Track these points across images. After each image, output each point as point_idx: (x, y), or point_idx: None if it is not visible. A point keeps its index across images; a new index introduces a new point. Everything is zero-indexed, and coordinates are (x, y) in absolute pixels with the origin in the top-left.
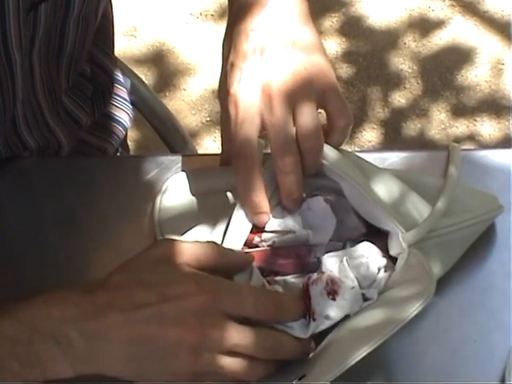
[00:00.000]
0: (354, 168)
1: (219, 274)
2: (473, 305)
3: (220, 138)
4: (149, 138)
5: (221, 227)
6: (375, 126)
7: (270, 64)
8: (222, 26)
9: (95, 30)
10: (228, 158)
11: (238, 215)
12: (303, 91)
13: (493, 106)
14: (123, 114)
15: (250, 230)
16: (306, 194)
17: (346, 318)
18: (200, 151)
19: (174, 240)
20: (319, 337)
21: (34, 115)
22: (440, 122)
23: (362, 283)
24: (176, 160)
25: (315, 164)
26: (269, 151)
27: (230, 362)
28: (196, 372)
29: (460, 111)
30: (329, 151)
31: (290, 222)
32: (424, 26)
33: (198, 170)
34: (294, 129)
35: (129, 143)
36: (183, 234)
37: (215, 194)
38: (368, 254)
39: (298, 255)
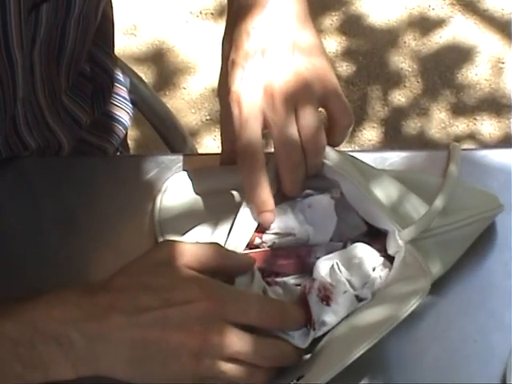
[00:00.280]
0: (354, 168)
1: (220, 276)
2: (473, 304)
3: (220, 137)
4: (149, 136)
5: (222, 227)
6: (375, 125)
7: (271, 65)
8: (222, 24)
9: (95, 30)
10: (228, 157)
11: (243, 216)
12: (305, 92)
13: (493, 104)
14: (123, 113)
15: (253, 232)
16: (306, 194)
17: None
18: (200, 150)
19: (175, 242)
20: (317, 337)
21: (33, 115)
22: (440, 121)
23: (355, 284)
24: (176, 159)
25: (317, 164)
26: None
27: (230, 368)
28: (196, 376)
29: (460, 110)
30: (329, 151)
31: (290, 223)
32: (424, 24)
33: (198, 169)
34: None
35: (129, 142)
36: (184, 234)
37: (215, 193)
38: (361, 254)
39: (299, 256)
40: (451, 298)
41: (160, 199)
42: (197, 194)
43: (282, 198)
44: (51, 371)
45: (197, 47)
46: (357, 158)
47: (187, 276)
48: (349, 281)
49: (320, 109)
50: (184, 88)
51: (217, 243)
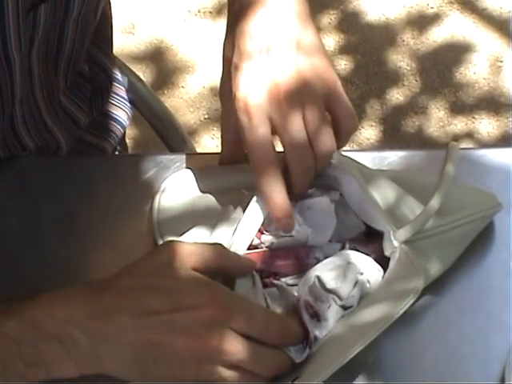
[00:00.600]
0: (355, 167)
1: (222, 277)
2: (471, 304)
3: (219, 136)
4: (147, 135)
5: (221, 228)
6: (374, 124)
7: (275, 64)
8: (220, 23)
9: (94, 29)
10: (228, 158)
11: (247, 218)
12: (310, 94)
13: (491, 103)
14: (122, 112)
15: (255, 234)
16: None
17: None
18: (198, 149)
19: (179, 243)
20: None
21: (31, 115)
22: (438, 120)
23: (341, 293)
24: (175, 159)
25: (325, 165)
26: None
27: (231, 375)
28: (197, 380)
29: (459, 109)
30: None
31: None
32: (422, 23)
33: (197, 169)
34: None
35: (127, 141)
36: (182, 234)
37: (214, 194)
38: (347, 261)
39: (297, 256)
40: (450, 297)
41: (158, 199)
42: (195, 194)
43: None
44: (53, 369)
45: (195, 46)
46: (354, 160)
47: (196, 280)
48: (334, 291)
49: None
50: (182, 87)
51: (220, 244)
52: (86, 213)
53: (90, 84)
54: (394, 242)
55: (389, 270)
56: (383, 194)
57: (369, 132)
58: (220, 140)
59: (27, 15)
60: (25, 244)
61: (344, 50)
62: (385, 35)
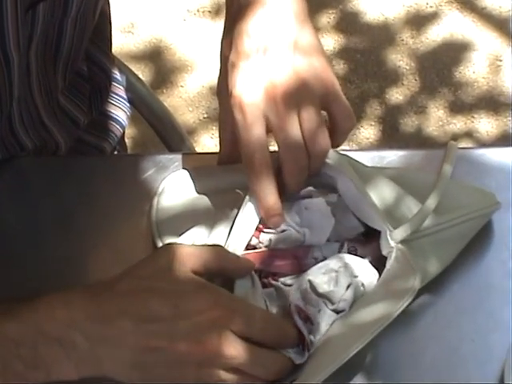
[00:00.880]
0: (350, 167)
1: (221, 278)
2: (471, 304)
3: (218, 136)
4: (146, 135)
5: (220, 228)
6: (373, 123)
7: (272, 64)
8: (219, 22)
9: (93, 29)
10: (226, 158)
11: (242, 218)
12: (307, 94)
13: (491, 102)
14: (121, 112)
15: (252, 233)
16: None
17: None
18: (197, 148)
19: (178, 245)
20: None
21: (29, 114)
22: (438, 119)
23: (333, 297)
24: (174, 159)
25: (320, 165)
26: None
27: (231, 378)
28: (197, 382)
29: (458, 108)
30: (330, 151)
31: (287, 220)
32: (422, 22)
33: (196, 169)
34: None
35: (126, 141)
36: (181, 235)
37: (213, 193)
38: (340, 265)
39: (295, 256)
40: (449, 297)
41: (157, 200)
42: (194, 194)
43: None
44: (53, 371)
45: (194, 45)
46: (352, 158)
47: (196, 283)
48: (325, 295)
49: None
50: (181, 86)
51: (219, 245)
52: (85, 213)
53: (89, 84)
54: (391, 242)
55: (385, 269)
56: (380, 192)
57: (368, 131)
58: (219, 139)
59: (26, 14)
60: (24, 244)
61: (343, 49)
62: (384, 34)
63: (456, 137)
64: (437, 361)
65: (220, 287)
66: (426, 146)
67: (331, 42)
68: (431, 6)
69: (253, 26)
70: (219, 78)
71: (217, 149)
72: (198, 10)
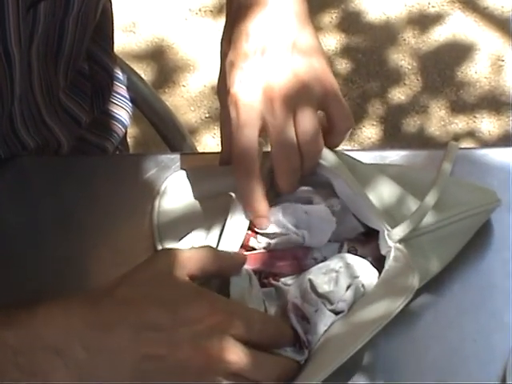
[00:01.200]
0: (346, 169)
1: (217, 278)
2: (473, 304)
3: (219, 135)
4: (148, 134)
5: (216, 230)
6: (375, 123)
7: (270, 65)
8: (221, 22)
9: (94, 28)
10: (228, 157)
11: (234, 218)
12: (304, 94)
13: (493, 102)
14: (123, 111)
15: (245, 234)
16: (300, 193)
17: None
18: (199, 148)
19: (175, 250)
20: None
21: (30, 113)
22: (440, 119)
23: (332, 298)
24: (175, 158)
25: (313, 166)
26: (268, 149)
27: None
28: None
29: (460, 108)
30: (325, 152)
31: (285, 224)
32: (424, 22)
33: (197, 169)
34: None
35: (128, 140)
36: (181, 238)
37: (214, 195)
38: (340, 266)
39: (295, 257)
40: (450, 297)
41: (158, 202)
42: (195, 196)
43: (276, 194)
44: (50, 379)
45: (196, 45)
46: (351, 156)
47: (195, 290)
48: (324, 295)
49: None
50: (183, 86)
51: (209, 246)
52: (86, 212)
53: (90, 82)
54: (389, 242)
55: (384, 269)
56: (378, 191)
57: (370, 131)
58: (220, 139)
59: (27, 12)
60: (25, 243)
61: (345, 49)
62: (386, 34)
63: (458, 137)
64: (438, 361)
65: (216, 293)
66: (427, 145)
67: (333, 41)
68: (433, 6)
69: (252, 27)
70: (219, 77)
71: (219, 148)
72: (199, 10)
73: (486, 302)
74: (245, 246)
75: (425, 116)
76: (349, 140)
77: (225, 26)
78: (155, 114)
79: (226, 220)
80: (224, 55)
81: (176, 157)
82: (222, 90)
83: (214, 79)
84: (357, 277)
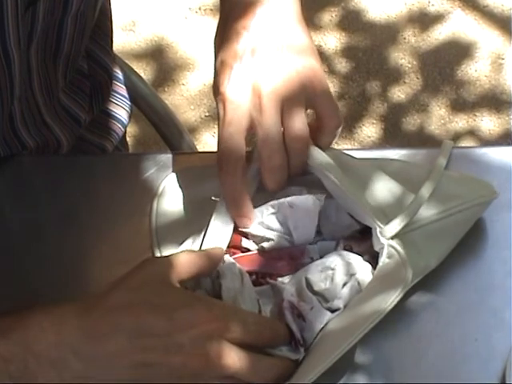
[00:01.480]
0: (337, 167)
1: (208, 280)
2: (473, 303)
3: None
4: (148, 133)
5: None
6: (375, 122)
7: (260, 65)
8: None
9: (93, 26)
10: None
11: (218, 218)
12: (293, 93)
13: (493, 101)
14: (122, 111)
15: (230, 234)
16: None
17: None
18: (199, 146)
19: (159, 259)
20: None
21: (30, 112)
22: (440, 117)
23: (328, 296)
24: (175, 158)
25: (300, 165)
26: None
27: None
28: None
29: (460, 106)
30: (313, 150)
31: (269, 225)
32: (424, 20)
33: (195, 169)
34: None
35: (127, 139)
36: (179, 240)
37: (212, 195)
38: (336, 263)
39: (292, 257)
40: (451, 296)
41: (156, 204)
42: (193, 197)
43: (264, 193)
44: None
45: (196, 43)
46: (345, 153)
47: (189, 296)
48: (320, 293)
49: (309, 110)
50: (183, 84)
51: (186, 250)
52: (86, 212)
53: (90, 81)
54: (381, 239)
55: (378, 266)
56: (371, 186)
57: (370, 130)
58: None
59: (26, 11)
60: (24, 242)
61: (345, 47)
62: (386, 33)
63: (458, 135)
64: (439, 360)
65: (210, 297)
66: (427, 144)
67: (333, 40)
68: (433, 5)
69: (243, 26)
70: (214, 76)
71: None
72: (199, 8)
73: (486, 301)
74: (239, 247)
75: (425, 114)
76: (348, 138)
77: (217, 26)
78: (155, 112)
79: (209, 221)
80: (216, 54)
81: (175, 156)
82: (216, 89)
83: None
84: (353, 274)
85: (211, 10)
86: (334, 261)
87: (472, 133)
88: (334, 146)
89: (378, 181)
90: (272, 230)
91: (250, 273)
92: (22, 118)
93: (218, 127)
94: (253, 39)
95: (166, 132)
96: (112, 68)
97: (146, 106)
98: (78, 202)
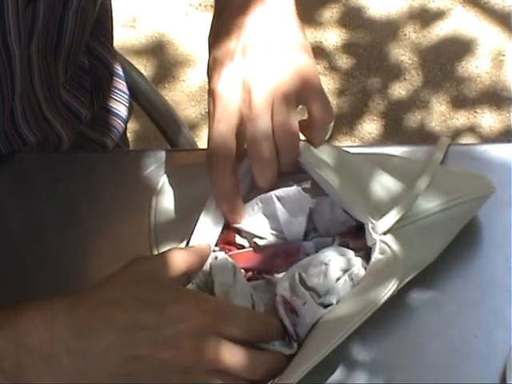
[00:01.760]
0: (328, 165)
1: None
2: (474, 301)
3: None
4: (148, 130)
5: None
6: (375, 118)
7: (252, 63)
8: None
9: (94, 22)
10: None
11: (208, 214)
12: (283, 89)
13: (493, 97)
14: (122, 107)
15: (220, 230)
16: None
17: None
18: (199, 143)
19: (151, 256)
20: None
21: (31, 108)
22: (440, 114)
23: (320, 291)
24: (175, 154)
25: (291, 161)
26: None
27: (218, 379)
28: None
29: (460, 103)
30: (303, 147)
31: (261, 222)
32: (424, 17)
33: (193, 166)
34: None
35: (128, 135)
36: (177, 237)
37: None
38: (329, 258)
39: (287, 254)
40: (452, 293)
41: (155, 201)
42: (192, 194)
43: (257, 192)
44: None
45: (196, 40)
46: (339, 148)
47: (180, 291)
48: (313, 288)
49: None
50: (183, 81)
51: (175, 247)
52: (86, 208)
53: (90, 77)
54: (374, 235)
55: (370, 262)
56: (366, 182)
57: (370, 126)
58: None
59: (26, 8)
60: (25, 239)
61: (346, 44)
62: (387, 29)
63: (458, 132)
64: (439, 357)
65: (201, 292)
66: (428, 141)
67: (334, 36)
68: (434, 1)
69: (236, 23)
70: (207, 73)
71: None
72: (200, 4)
73: (486, 299)
74: (234, 244)
75: (425, 111)
76: (349, 135)
77: (211, 23)
78: (155, 109)
79: (198, 217)
80: (210, 51)
81: (176, 153)
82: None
83: None
84: (346, 270)
85: (212, 6)
86: (328, 256)
87: (472, 129)
88: (335, 142)
89: (372, 176)
90: (262, 226)
91: (247, 270)
92: (23, 113)
93: (209, 124)
94: (245, 37)
95: (166, 128)
96: (112, 64)
97: (147, 103)
98: (78, 199)
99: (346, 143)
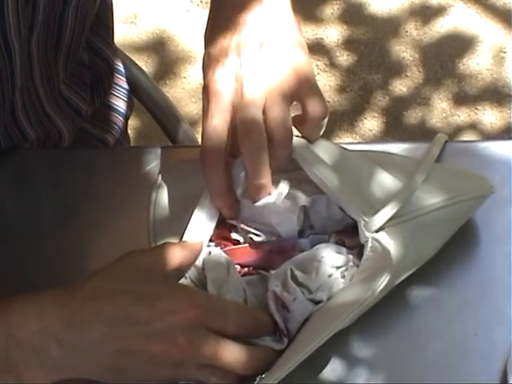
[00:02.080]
0: (323, 161)
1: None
2: (474, 298)
3: None
4: (149, 126)
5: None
6: (376, 115)
7: (246, 59)
8: None
9: (94, 18)
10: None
11: (202, 209)
12: (276, 85)
13: (494, 94)
14: (122, 103)
15: (214, 226)
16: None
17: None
18: (200, 139)
19: (144, 250)
20: None
21: (32, 104)
22: (441, 111)
23: (311, 287)
24: (176, 151)
25: (284, 156)
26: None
27: (208, 374)
28: (172, 381)
29: (461, 100)
30: (298, 144)
31: (254, 219)
32: (425, 13)
33: (194, 162)
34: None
35: (129, 132)
36: (178, 234)
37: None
38: (322, 255)
39: (283, 250)
40: (452, 291)
41: (155, 197)
42: (190, 190)
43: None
44: (25, 377)
45: (197, 36)
46: (336, 144)
47: (171, 285)
48: (304, 284)
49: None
50: (184, 77)
51: (168, 242)
52: (87, 205)
53: (91, 73)
54: (366, 233)
55: (362, 260)
56: (361, 179)
57: (371, 123)
58: None
59: (26, 3)
60: (25, 235)
61: (347, 40)
62: (388, 26)
63: (459, 129)
64: (440, 355)
65: (193, 287)
66: (429, 137)
67: (335, 33)
68: None
69: (231, 20)
70: (202, 70)
71: None
72: (201, 1)
73: (486, 296)
74: (230, 240)
75: (426, 108)
76: (350, 132)
77: (207, 19)
78: (156, 105)
79: (192, 212)
80: (205, 48)
81: (176, 149)
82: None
83: None
84: (338, 267)
85: None
86: (321, 253)
87: (473, 126)
88: (336, 139)
89: (369, 173)
90: (256, 224)
91: (242, 265)
92: (24, 108)
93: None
94: (240, 33)
95: (167, 125)
96: (113, 60)
97: (148, 99)
98: (78, 196)
99: (347, 140)
